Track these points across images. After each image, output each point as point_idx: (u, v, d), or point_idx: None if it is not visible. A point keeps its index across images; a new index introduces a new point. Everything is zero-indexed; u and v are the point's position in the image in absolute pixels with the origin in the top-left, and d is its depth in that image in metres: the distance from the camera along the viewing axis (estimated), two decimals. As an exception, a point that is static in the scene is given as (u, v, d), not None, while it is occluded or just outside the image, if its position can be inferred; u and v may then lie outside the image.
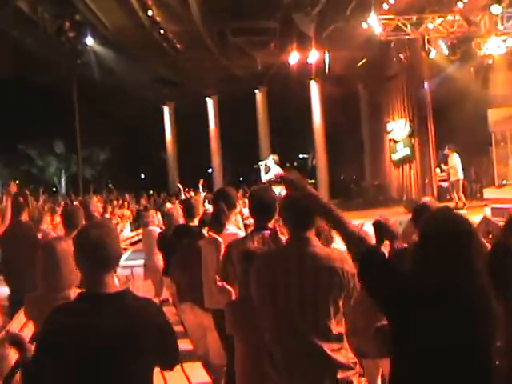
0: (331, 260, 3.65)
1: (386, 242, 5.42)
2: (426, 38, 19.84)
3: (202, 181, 14.62)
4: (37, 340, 3.07)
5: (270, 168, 14.79)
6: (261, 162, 15.03)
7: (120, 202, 23.62)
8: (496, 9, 16.33)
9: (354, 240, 3.01)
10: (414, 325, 2.76)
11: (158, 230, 9.92)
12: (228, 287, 5.22)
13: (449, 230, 2.76)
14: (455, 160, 18.60)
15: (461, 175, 18.72)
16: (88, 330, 2.81)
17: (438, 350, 2.71)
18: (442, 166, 20.50)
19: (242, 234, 5.84)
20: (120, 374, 2.85)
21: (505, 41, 19.48)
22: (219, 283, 5.28)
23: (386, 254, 5.26)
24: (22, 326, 4.83)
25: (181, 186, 15.53)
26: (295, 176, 3.35)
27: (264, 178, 14.81)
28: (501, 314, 2.77)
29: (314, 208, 3.36)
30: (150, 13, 20.65)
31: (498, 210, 14.70)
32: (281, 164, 15.24)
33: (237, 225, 6.41)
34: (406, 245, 5.54)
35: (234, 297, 5.15)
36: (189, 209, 7.76)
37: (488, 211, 15.24)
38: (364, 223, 5.46)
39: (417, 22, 19.53)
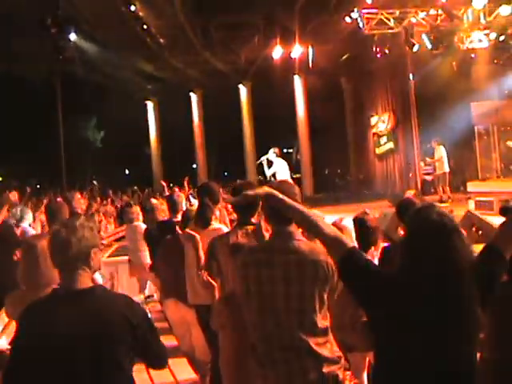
0: (315, 253, 3.65)
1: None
2: (409, 32, 19.90)
3: (187, 178, 14.59)
4: (12, 340, 3.10)
5: (272, 162, 14.87)
6: (262, 158, 15.07)
7: (104, 198, 23.50)
8: (478, 3, 16.39)
9: (333, 244, 3.01)
10: (399, 322, 2.76)
11: (143, 226, 9.89)
12: (212, 282, 5.22)
13: (434, 228, 2.77)
14: (441, 153, 18.67)
15: (447, 168, 18.82)
16: (58, 326, 2.83)
17: (422, 346, 2.72)
18: (427, 159, 20.59)
19: (225, 229, 5.84)
20: (94, 369, 2.84)
21: (487, 35, 19.59)
22: (204, 277, 5.27)
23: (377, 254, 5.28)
24: (5, 326, 4.79)
25: (164, 184, 15.48)
26: (266, 191, 3.31)
27: (268, 172, 14.88)
28: (484, 312, 2.78)
29: (291, 217, 3.38)
30: (132, 8, 20.56)
31: (481, 203, 14.80)
32: (282, 156, 15.33)
33: (223, 220, 6.41)
34: (385, 243, 5.56)
35: (217, 292, 5.14)
36: (172, 204, 7.75)
37: (472, 204, 15.33)
38: (344, 217, 5.45)
39: (400, 16, 19.57)
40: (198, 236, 5.81)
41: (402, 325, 2.75)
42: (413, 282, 2.74)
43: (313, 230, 3.11)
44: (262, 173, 15.38)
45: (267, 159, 14.90)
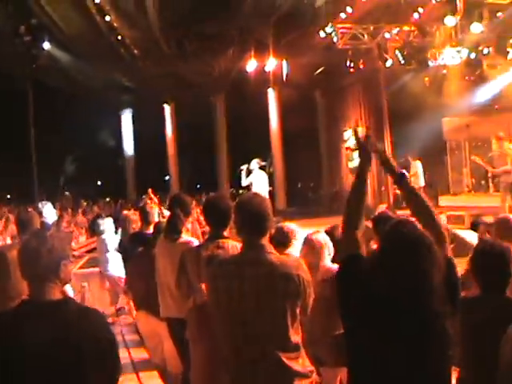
0: (287, 267, 3.62)
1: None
2: (383, 47, 20.10)
3: (150, 190, 14.42)
4: None
5: (252, 171, 14.80)
6: (242, 167, 15.02)
7: (76, 209, 23.33)
8: (450, 20, 16.59)
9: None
10: (373, 335, 2.76)
11: (114, 237, 9.82)
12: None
13: (408, 242, 2.77)
14: (417, 168, 18.80)
15: (422, 182, 18.96)
16: (23, 340, 2.75)
17: (393, 360, 2.71)
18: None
19: (196, 242, 5.80)
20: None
21: (459, 51, 19.84)
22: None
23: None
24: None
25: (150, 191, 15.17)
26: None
27: (244, 182, 14.82)
28: (456, 328, 2.79)
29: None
30: (107, 18, 20.47)
31: (452, 218, 14.94)
32: (263, 168, 15.31)
33: (195, 233, 6.37)
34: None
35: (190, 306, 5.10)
36: (145, 216, 7.69)
37: (443, 219, 15.45)
38: (319, 231, 5.43)
39: (373, 31, 19.78)
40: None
41: (376, 339, 2.74)
42: (387, 296, 2.74)
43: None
44: (239, 181, 15.31)
45: (247, 169, 14.84)
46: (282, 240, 4.94)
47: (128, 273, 7.47)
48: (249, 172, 14.89)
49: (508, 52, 18.30)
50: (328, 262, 5.09)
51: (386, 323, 2.73)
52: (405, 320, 2.70)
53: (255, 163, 14.89)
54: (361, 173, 3.37)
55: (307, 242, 5.19)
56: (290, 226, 5.32)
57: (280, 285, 3.57)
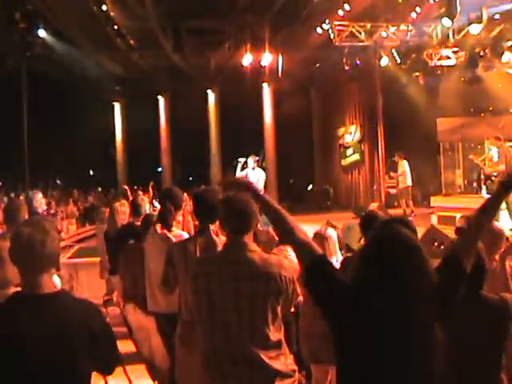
0: (268, 265, 3.60)
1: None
2: (379, 45, 20.09)
3: (151, 183, 14.49)
4: None
5: (248, 166, 14.82)
6: (240, 159, 15.02)
7: (67, 198, 23.26)
8: (447, 21, 16.57)
9: (302, 250, 2.93)
10: (356, 335, 2.73)
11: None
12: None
13: (395, 243, 2.73)
14: (405, 167, 18.85)
15: (409, 182, 19.00)
16: (18, 333, 2.72)
17: (379, 362, 2.69)
18: (391, 173, 20.75)
19: (186, 235, 5.77)
20: (54, 378, 2.76)
21: (455, 52, 19.84)
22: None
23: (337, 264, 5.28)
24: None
25: (127, 188, 15.27)
26: (246, 181, 3.31)
27: (239, 173, 14.82)
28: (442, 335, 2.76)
29: (264, 212, 3.29)
30: (104, 7, 20.34)
31: (444, 219, 14.95)
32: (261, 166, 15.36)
33: (187, 226, 6.34)
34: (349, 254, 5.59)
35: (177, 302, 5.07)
36: (135, 208, 7.66)
37: (434, 219, 15.48)
38: (328, 227, 5.48)
39: (371, 29, 19.73)
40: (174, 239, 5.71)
41: (361, 340, 2.72)
42: (370, 296, 2.71)
43: (285, 232, 3.01)
44: (234, 172, 15.33)
45: (245, 162, 14.87)
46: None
47: (120, 264, 7.44)
48: (244, 166, 14.90)
49: (503, 54, 18.29)
50: (335, 257, 5.15)
51: (370, 325, 2.70)
52: (390, 322, 2.67)
53: (252, 162, 14.88)
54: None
55: (317, 238, 5.23)
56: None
57: (261, 284, 3.57)
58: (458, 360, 3.51)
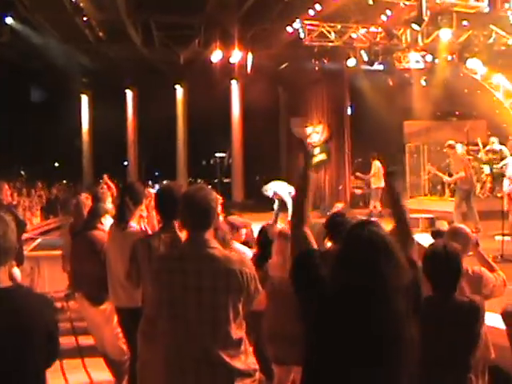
0: (229, 262, 3.61)
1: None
2: (349, 46, 20.21)
3: (105, 176, 14.21)
4: None
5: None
6: (217, 154, 15.02)
7: (30, 189, 22.99)
8: (416, 25, 16.71)
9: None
10: (327, 334, 2.75)
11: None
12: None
13: (369, 244, 2.76)
14: (377, 167, 18.90)
15: (382, 183, 19.05)
16: None
17: (351, 360, 2.71)
18: (357, 173, 20.85)
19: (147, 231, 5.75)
20: (6, 373, 2.71)
21: (424, 56, 20.05)
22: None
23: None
24: None
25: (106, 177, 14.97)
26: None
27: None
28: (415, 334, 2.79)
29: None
30: (74, -2, 20.12)
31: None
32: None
33: (151, 221, 6.29)
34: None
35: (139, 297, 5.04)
36: (95, 201, 7.59)
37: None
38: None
39: (341, 30, 19.83)
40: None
41: (334, 338, 2.73)
42: (344, 297, 2.73)
43: None
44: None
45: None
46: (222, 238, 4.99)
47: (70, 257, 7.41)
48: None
49: (470, 60, 18.52)
50: None
51: (343, 323, 2.72)
52: (361, 320, 2.69)
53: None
54: (304, 174, 3.64)
55: (281, 236, 5.23)
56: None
57: (222, 280, 3.56)
58: (429, 361, 3.55)
